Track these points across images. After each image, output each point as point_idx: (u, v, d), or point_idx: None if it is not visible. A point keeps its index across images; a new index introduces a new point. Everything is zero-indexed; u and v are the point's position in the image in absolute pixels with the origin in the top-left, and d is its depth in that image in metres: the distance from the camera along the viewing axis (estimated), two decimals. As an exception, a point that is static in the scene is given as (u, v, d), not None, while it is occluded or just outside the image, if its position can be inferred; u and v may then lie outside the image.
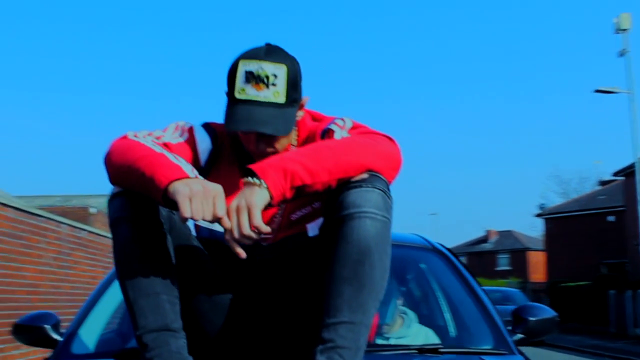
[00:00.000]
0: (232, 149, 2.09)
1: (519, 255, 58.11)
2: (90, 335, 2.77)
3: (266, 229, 1.73)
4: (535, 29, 76.81)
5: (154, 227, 1.85)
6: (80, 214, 21.08)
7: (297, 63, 1.98)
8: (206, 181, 1.73)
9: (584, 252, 35.67)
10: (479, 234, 64.51)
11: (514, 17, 78.99)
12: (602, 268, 34.57)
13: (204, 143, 2.06)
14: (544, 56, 78.83)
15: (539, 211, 40.95)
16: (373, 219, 1.77)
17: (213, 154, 2.07)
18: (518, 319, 2.85)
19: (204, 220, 1.69)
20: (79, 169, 71.70)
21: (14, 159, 62.39)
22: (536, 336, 2.88)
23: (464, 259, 62.43)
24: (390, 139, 1.95)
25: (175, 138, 2.02)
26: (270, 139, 1.95)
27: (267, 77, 1.90)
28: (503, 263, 59.13)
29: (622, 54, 21.18)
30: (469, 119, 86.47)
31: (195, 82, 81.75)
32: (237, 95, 1.92)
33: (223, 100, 1.98)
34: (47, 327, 2.76)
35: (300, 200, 2.00)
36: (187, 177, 1.73)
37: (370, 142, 1.90)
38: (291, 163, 1.78)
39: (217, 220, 1.72)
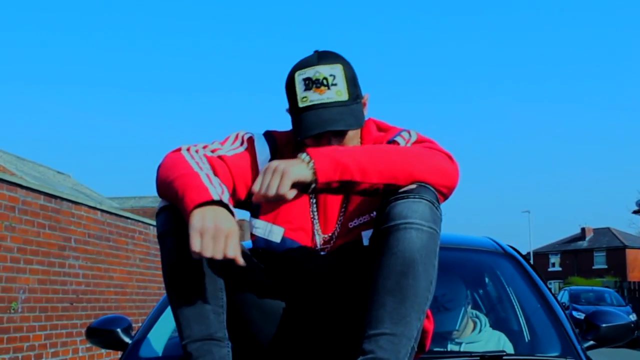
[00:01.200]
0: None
1: (616, 253, 56.72)
2: (158, 340, 2.82)
3: (290, 195, 1.75)
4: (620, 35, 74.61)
5: None
6: (151, 213, 21.48)
7: (348, 62, 1.99)
8: (226, 216, 1.72)
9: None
10: (575, 231, 63.20)
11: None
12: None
13: (263, 153, 2.07)
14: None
15: (638, 207, 39.74)
16: (419, 230, 1.75)
17: None
18: (589, 325, 2.77)
19: (214, 259, 1.70)
20: (152, 171, 73.07)
21: (107, 160, 64.21)
22: (608, 343, 2.80)
23: (558, 258, 61.25)
24: (450, 157, 1.94)
25: (233, 149, 2.03)
26: (341, 139, 1.96)
27: (326, 79, 1.92)
28: (599, 261, 57.82)
29: None
30: (563, 113, 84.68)
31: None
32: (301, 104, 1.94)
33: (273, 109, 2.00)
34: (119, 330, 2.82)
35: (361, 209, 2.01)
36: (210, 198, 1.73)
37: (426, 154, 1.89)
38: (346, 157, 1.79)
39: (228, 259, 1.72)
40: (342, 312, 2.00)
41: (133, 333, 2.90)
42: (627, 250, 55.43)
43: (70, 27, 66.44)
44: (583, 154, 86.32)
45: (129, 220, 9.79)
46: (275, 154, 2.08)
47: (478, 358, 2.44)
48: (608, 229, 59.92)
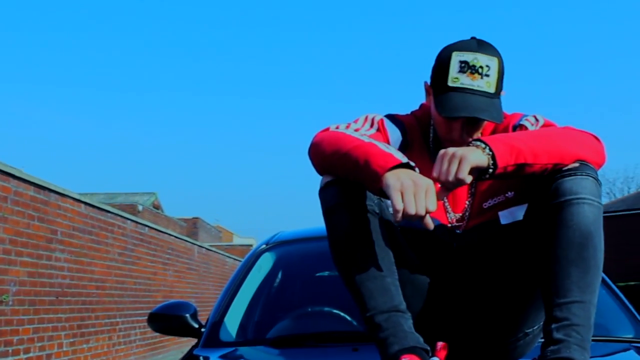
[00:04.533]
0: (423, 141, 2.15)
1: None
2: (232, 325, 2.81)
3: (467, 180, 1.78)
4: (598, 20, 75.99)
5: (369, 213, 1.90)
6: (128, 212, 21.22)
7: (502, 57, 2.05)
8: (417, 174, 1.78)
9: (630, 252, 35.30)
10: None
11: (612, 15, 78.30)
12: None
13: (394, 135, 2.11)
14: (594, 55, 77.90)
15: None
16: (590, 205, 1.85)
17: (403, 145, 2.12)
18: None
19: (416, 215, 1.73)
20: (123, 167, 72.33)
21: (57, 156, 63.23)
22: None
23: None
24: (595, 136, 2.02)
25: (368, 130, 2.08)
26: (473, 129, 2.01)
27: (482, 68, 1.97)
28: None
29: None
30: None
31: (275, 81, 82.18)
32: (451, 84, 1.98)
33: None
34: (187, 315, 2.80)
35: (493, 190, 2.07)
36: (400, 162, 1.78)
37: (580, 134, 1.98)
38: (516, 141, 1.85)
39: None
40: (486, 287, 2.06)
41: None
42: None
43: (31, 26, 65.24)
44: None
45: (109, 214, 9.70)
46: (406, 136, 2.13)
47: None
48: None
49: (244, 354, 2.53)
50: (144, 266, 11.52)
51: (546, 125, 2.07)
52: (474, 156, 1.79)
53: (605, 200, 45.80)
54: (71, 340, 8.31)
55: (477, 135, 2.03)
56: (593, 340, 2.51)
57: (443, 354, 1.85)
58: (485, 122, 2.06)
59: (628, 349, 2.48)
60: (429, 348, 1.83)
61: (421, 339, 1.84)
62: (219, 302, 2.91)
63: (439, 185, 1.82)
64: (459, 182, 1.79)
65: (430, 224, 1.77)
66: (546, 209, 1.88)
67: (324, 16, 75.48)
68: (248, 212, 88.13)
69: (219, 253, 19.43)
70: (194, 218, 33.12)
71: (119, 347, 10.21)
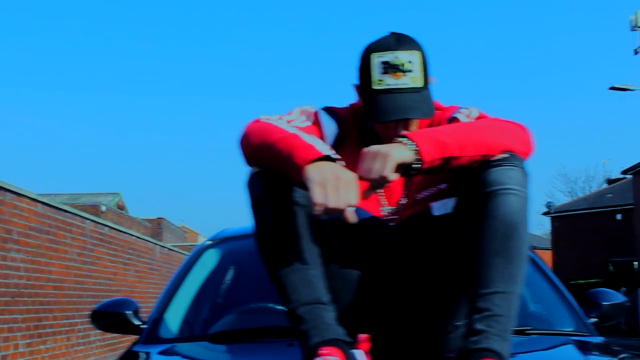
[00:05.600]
0: (358, 134, 2.14)
1: (524, 253, 58.10)
2: (174, 321, 2.80)
3: (392, 178, 1.78)
4: (546, 27, 76.72)
5: (295, 205, 1.89)
6: (91, 212, 21.06)
7: (424, 48, 2.04)
8: (340, 167, 1.77)
9: (591, 251, 35.69)
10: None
11: (525, 14, 78.97)
12: (609, 266, 34.61)
13: (329, 128, 2.11)
14: (556, 54, 78.61)
15: (546, 210, 40.88)
16: (516, 195, 1.85)
17: (338, 138, 2.11)
18: (591, 303, 2.89)
19: (336, 208, 1.72)
20: (87, 168, 71.70)
21: (20, 157, 62.51)
22: (608, 320, 2.93)
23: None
24: (523, 127, 2.02)
25: (302, 122, 2.07)
26: (408, 124, 2.00)
27: (404, 65, 1.96)
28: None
29: (638, 51, 21.17)
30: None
31: (198, 81, 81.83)
32: (376, 87, 1.97)
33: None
34: (129, 313, 2.78)
35: (427, 182, 2.07)
36: (322, 155, 1.77)
37: (506, 125, 1.98)
38: (442, 135, 1.85)
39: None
40: (417, 279, 2.06)
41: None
42: (535, 251, 56.73)
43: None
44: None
45: (68, 214, 9.59)
46: (342, 128, 2.12)
47: None
48: (517, 230, 61.45)
49: (181, 349, 2.52)
50: (104, 266, 11.41)
51: (480, 117, 2.06)
52: (398, 153, 1.78)
53: (567, 199, 46.37)
54: (28, 341, 8.20)
55: (413, 129, 2.02)
56: (534, 333, 2.56)
57: (366, 346, 1.85)
58: None
59: (567, 343, 2.50)
60: (351, 340, 1.83)
61: (343, 331, 1.83)
62: (161, 299, 2.89)
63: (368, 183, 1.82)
64: (383, 180, 1.79)
65: (351, 217, 1.76)
66: (473, 199, 1.89)
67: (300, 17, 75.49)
68: (214, 212, 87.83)
69: (182, 253, 19.32)
70: (158, 218, 32.91)
71: (78, 347, 10.11)
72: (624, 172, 31.56)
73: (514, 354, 2.30)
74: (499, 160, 1.88)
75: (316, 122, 2.10)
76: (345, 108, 2.19)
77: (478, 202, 1.87)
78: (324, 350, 1.76)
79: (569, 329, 2.68)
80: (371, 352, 1.88)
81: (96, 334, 10.89)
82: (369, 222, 2.05)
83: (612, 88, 21.48)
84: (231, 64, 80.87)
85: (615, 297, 2.96)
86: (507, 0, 76.15)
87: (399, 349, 2.09)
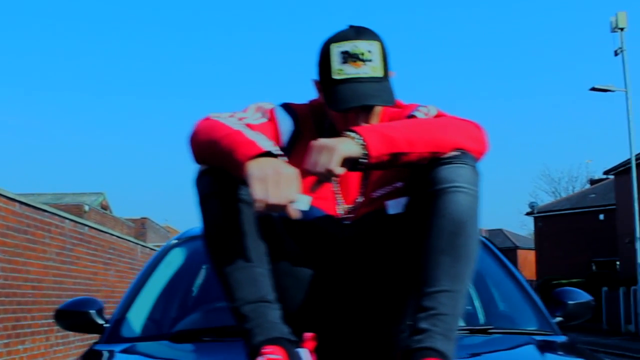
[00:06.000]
0: (315, 131, 2.12)
1: (508, 253, 57.41)
2: (137, 321, 2.78)
3: (338, 172, 1.77)
4: (528, 27, 77.08)
5: (241, 202, 1.88)
6: (74, 212, 20.99)
7: (383, 40, 2.02)
8: (281, 163, 1.75)
9: (574, 251, 35.85)
10: (469, 232, 64.55)
11: (506, 15, 79.21)
12: (592, 266, 34.77)
13: (285, 125, 2.09)
14: (537, 55, 79.02)
15: (529, 210, 41.06)
16: (465, 193, 1.83)
17: (294, 135, 2.10)
18: (556, 302, 2.89)
19: (277, 204, 1.70)
20: (71, 168, 71.38)
21: (2, 157, 62.13)
22: (573, 319, 2.92)
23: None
24: (477, 125, 2.00)
25: (256, 119, 2.05)
26: (369, 118, 1.99)
27: (363, 54, 1.95)
28: (492, 261, 59.17)
29: (618, 52, 21.34)
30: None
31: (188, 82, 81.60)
32: (336, 76, 1.96)
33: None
34: (92, 312, 2.76)
35: (383, 180, 2.05)
36: (262, 150, 1.75)
37: (460, 123, 1.97)
38: (392, 131, 1.83)
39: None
40: (370, 278, 2.04)
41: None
42: (518, 251, 57.10)
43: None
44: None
45: (46, 214, 9.53)
46: (298, 126, 2.11)
47: (467, 332, 2.53)
48: (500, 230, 61.56)
49: (139, 348, 2.51)
50: (84, 266, 11.35)
51: (438, 115, 2.05)
52: (345, 147, 1.77)
53: (550, 199, 46.60)
54: (5, 341, 8.15)
55: (374, 122, 2.01)
56: (496, 333, 2.55)
57: (311, 345, 1.83)
58: (381, 109, 2.04)
59: (529, 342, 2.48)
60: (295, 339, 1.81)
61: (287, 330, 1.82)
62: (124, 299, 2.87)
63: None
64: (329, 174, 1.77)
65: (294, 213, 1.74)
66: (423, 197, 1.87)
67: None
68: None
69: (165, 253, 19.23)
70: (142, 218, 32.81)
71: (57, 347, 10.05)
72: (606, 172, 31.76)
73: (476, 355, 2.31)
74: (449, 157, 1.86)
75: (272, 119, 2.08)
76: (304, 105, 2.17)
77: (427, 200, 1.85)
78: (267, 349, 1.75)
79: (532, 328, 2.67)
80: (317, 352, 1.86)
81: (75, 334, 10.83)
82: (323, 220, 2.04)
83: (593, 89, 21.60)
84: (216, 65, 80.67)
85: (581, 296, 2.95)
86: (491, 2, 76.36)
87: (348, 348, 2.07)
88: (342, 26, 2.03)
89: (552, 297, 2.94)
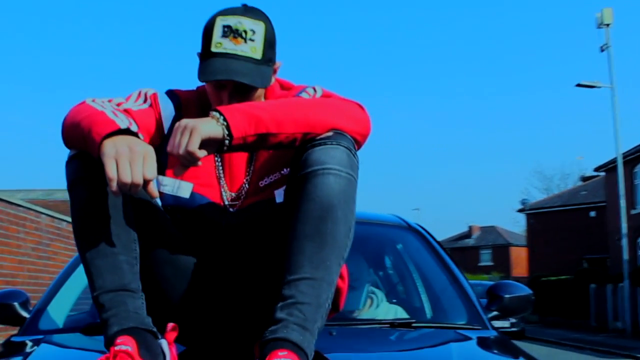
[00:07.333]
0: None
1: (501, 250, 58.36)
2: (59, 313, 2.73)
3: (200, 155, 1.69)
4: (516, 25, 77.07)
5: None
6: (63, 208, 20.85)
7: (272, 24, 1.97)
8: (137, 140, 1.69)
9: (565, 248, 35.88)
10: (462, 229, 64.82)
11: (494, 13, 79.22)
12: (583, 263, 34.79)
13: (167, 110, 2.02)
14: (526, 52, 79.10)
15: (521, 207, 41.06)
16: (337, 176, 1.73)
17: (176, 120, 2.00)
18: (493, 296, 2.83)
19: (132, 183, 1.63)
20: (62, 164, 71.20)
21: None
22: (511, 314, 2.86)
23: (447, 255, 62.78)
24: (360, 105, 1.93)
25: (137, 105, 1.98)
26: (243, 99, 1.92)
27: (246, 32, 1.89)
28: (485, 258, 59.37)
29: (604, 48, 21.35)
30: (451, 115, 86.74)
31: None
32: (214, 49, 1.89)
33: (192, 62, 1.97)
34: (16, 304, 2.71)
35: (269, 167, 1.99)
36: (116, 128, 1.69)
37: (338, 103, 1.89)
38: (258, 110, 1.75)
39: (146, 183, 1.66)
40: (254, 268, 1.98)
41: (31, 308, 2.79)
42: (511, 248, 57.22)
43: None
44: (471, 155, 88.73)
45: (21, 208, 9.47)
46: (180, 112, 2.03)
47: (388, 325, 2.47)
48: (494, 227, 61.62)
49: (54, 340, 2.44)
50: (61, 261, 11.26)
51: (325, 96, 1.98)
52: (206, 127, 1.69)
53: (542, 196, 46.58)
54: (-24, 336, 8.10)
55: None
56: (420, 327, 2.49)
57: (172, 335, 1.76)
58: (263, 93, 1.99)
59: (454, 338, 2.41)
60: (154, 329, 1.74)
61: (147, 320, 1.75)
62: (47, 291, 2.82)
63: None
64: (190, 156, 1.69)
65: (153, 192, 1.67)
66: (293, 181, 1.79)
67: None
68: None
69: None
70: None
71: None
72: (597, 169, 31.76)
73: (392, 351, 2.25)
74: (322, 139, 1.78)
75: (154, 105, 2.01)
76: (191, 91, 2.11)
77: (298, 183, 1.76)
78: (121, 339, 1.67)
79: (461, 322, 2.61)
80: (180, 342, 1.80)
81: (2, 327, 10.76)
82: (206, 208, 1.98)
83: (579, 85, 21.59)
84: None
85: (519, 289, 2.89)
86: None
87: (235, 338, 2.01)
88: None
89: (489, 291, 2.88)
